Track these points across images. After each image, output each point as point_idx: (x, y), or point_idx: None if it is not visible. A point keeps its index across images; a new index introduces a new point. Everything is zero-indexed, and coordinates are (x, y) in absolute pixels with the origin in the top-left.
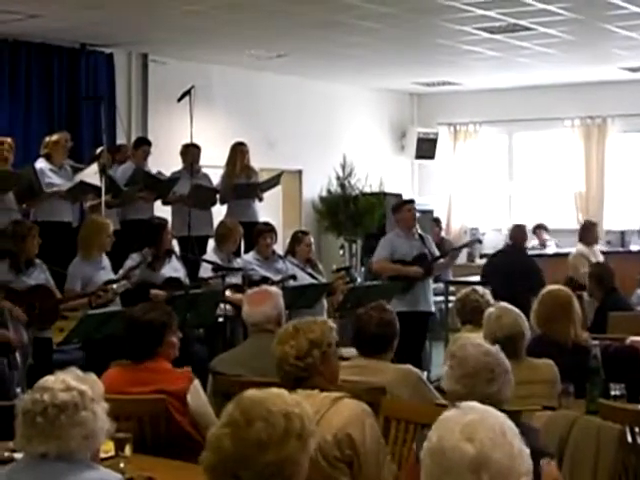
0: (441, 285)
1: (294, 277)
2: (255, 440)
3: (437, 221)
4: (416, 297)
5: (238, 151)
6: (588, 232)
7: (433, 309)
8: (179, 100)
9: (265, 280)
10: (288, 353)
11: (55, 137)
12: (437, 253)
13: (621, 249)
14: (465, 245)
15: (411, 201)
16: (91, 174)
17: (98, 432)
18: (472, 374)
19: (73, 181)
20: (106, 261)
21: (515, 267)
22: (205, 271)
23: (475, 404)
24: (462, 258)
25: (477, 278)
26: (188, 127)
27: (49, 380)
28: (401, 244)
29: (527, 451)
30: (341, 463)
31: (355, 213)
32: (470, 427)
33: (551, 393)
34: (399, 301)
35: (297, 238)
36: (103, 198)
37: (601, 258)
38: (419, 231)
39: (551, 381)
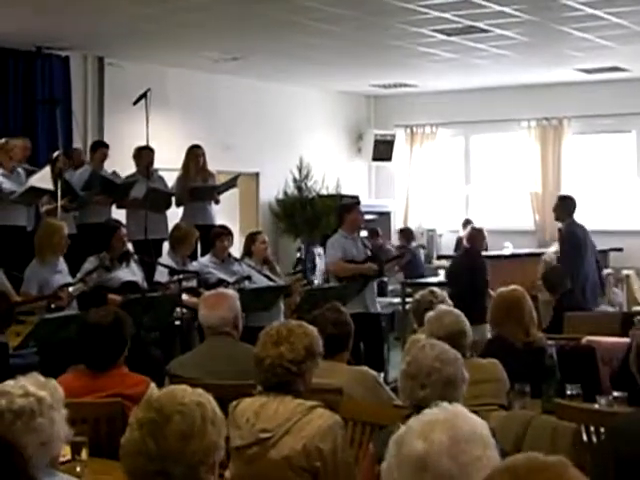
0: (398, 286)
1: (249, 278)
2: (177, 434)
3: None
4: (365, 299)
5: (193, 154)
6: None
7: (379, 309)
8: (135, 103)
9: (221, 283)
10: (284, 355)
11: (2, 141)
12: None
13: None
14: (395, 257)
15: (359, 202)
16: (45, 178)
17: (55, 439)
18: (412, 375)
19: (25, 185)
20: (63, 265)
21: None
22: (161, 274)
23: (458, 406)
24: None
25: (434, 279)
26: (144, 130)
27: (8, 385)
28: (349, 245)
29: (492, 461)
30: (306, 473)
31: (312, 215)
32: (430, 426)
33: (500, 391)
34: (353, 303)
35: (251, 238)
36: (59, 202)
37: None
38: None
39: (498, 379)
